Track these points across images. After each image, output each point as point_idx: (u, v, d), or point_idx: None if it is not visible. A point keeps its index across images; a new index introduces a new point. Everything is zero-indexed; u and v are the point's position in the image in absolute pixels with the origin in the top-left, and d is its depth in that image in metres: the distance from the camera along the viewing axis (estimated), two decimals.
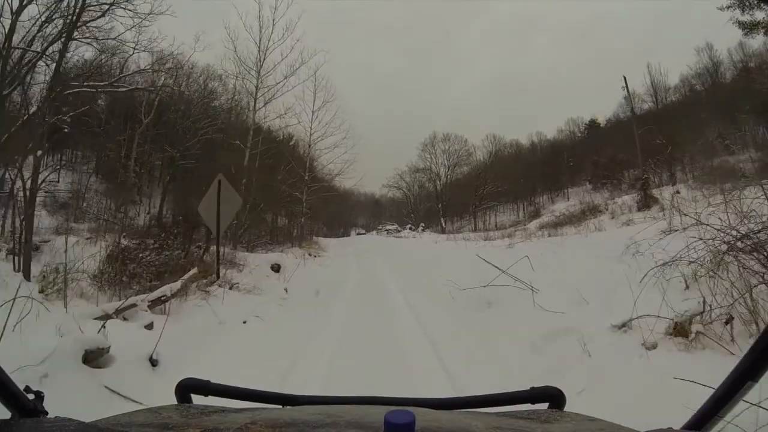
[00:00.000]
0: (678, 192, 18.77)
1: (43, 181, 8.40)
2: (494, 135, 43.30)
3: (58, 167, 26.37)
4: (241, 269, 8.08)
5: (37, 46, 9.19)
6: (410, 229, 37.05)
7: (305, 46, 19.61)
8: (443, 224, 40.92)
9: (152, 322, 4.08)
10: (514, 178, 39.30)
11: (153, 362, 3.33)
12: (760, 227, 3.25)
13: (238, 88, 17.38)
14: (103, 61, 12.96)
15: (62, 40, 8.17)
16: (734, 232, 3.36)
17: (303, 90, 17.24)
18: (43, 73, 10.90)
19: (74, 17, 8.18)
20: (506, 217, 41.77)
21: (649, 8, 42.42)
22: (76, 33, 9.13)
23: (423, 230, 35.59)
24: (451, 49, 66.57)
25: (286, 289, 7.37)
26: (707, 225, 3.69)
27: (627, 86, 21.07)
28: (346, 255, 15.93)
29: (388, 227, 40.26)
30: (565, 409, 0.87)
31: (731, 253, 3.29)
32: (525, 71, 55.81)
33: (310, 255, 13.49)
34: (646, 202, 16.36)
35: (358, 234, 41.39)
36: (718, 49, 32.34)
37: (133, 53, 12.40)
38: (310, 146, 18.27)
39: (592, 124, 43.08)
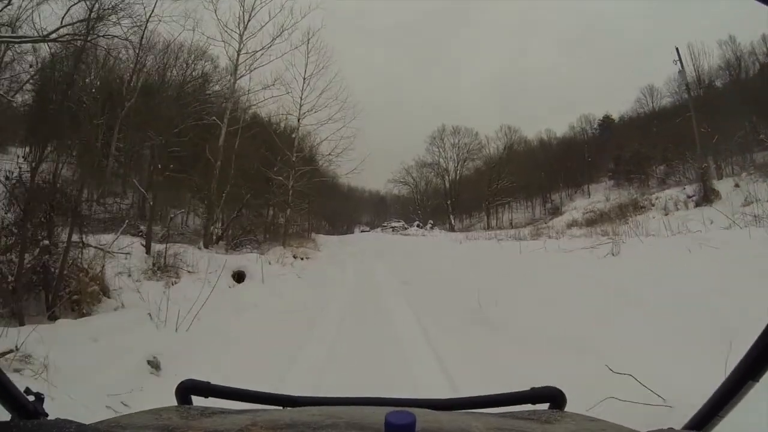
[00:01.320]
0: (737, 185, 16.11)
1: None
2: (509, 126, 40.38)
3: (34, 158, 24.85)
4: (174, 282, 5.46)
5: None
6: (418, 226, 34.53)
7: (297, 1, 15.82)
8: (452, 221, 38.51)
9: None
10: (527, 175, 36.59)
11: None
12: None
13: (218, 53, 14.63)
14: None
15: None
16: None
17: (293, 56, 14.26)
18: None
19: None
20: (519, 215, 39.15)
21: (649, 8, 40.34)
22: None
23: (432, 228, 33.06)
24: (452, 50, 64.53)
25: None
26: None
27: (680, 58, 18.16)
28: (342, 257, 13.03)
29: (394, 224, 37.84)
30: (565, 410, 0.85)
31: None
32: (525, 72, 53.77)
33: (296, 257, 10.83)
34: (706, 196, 13.61)
35: (362, 231, 39.59)
36: (741, 42, 30.06)
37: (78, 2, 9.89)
38: (299, 120, 14.62)
39: (607, 120, 40.49)
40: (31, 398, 0.71)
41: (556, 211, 31.61)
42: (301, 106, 14.18)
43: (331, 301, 6.78)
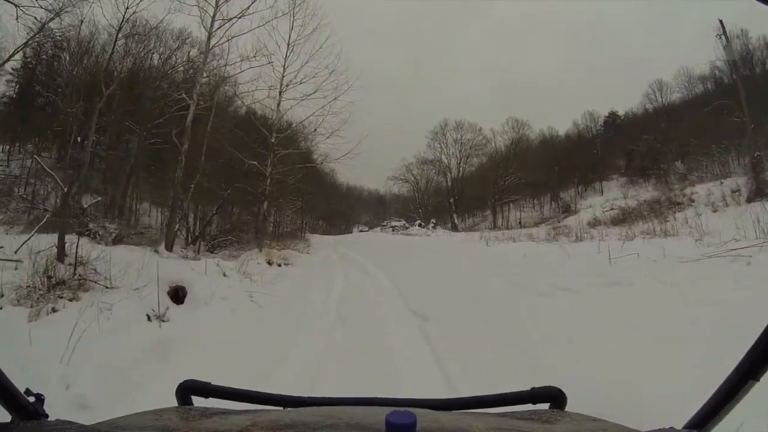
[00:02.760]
0: None
1: None
2: (516, 119, 38.45)
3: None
4: (53, 308, 3.50)
5: None
6: (420, 225, 32.67)
7: None
8: (455, 221, 36.71)
9: None
10: (534, 171, 34.69)
11: None
12: None
13: (193, 26, 12.63)
14: None
15: None
16: None
17: (276, 21, 12.02)
18: None
19: None
20: (526, 214, 37.26)
21: (650, 9, 39.03)
22: None
23: (434, 227, 31.20)
24: (451, 52, 63.29)
25: None
26: None
27: (725, 32, 16.23)
28: (334, 261, 10.86)
29: (394, 223, 36.00)
30: (566, 409, 0.84)
31: None
32: (525, 73, 52.26)
33: (271, 263, 8.75)
34: (759, 189, 11.68)
35: (361, 231, 38.15)
36: (752, 37, 28.86)
37: None
38: (280, 93, 12.00)
39: (613, 116, 38.77)
40: (31, 399, 0.69)
41: (567, 210, 29.68)
42: (283, 76, 12.02)
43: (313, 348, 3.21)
